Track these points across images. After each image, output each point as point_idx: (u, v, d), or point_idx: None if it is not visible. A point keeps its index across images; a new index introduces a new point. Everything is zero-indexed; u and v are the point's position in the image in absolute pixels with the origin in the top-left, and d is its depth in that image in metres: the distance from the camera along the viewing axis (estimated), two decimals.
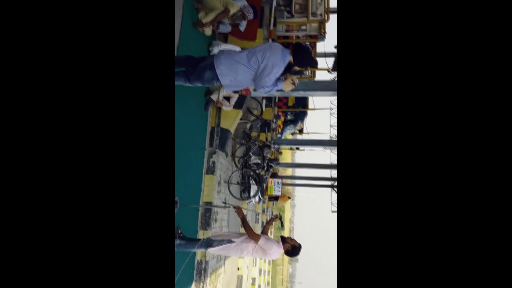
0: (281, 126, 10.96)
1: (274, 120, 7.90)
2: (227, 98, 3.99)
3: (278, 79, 1.90)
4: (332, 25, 7.54)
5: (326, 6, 7.11)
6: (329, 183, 12.87)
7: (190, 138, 3.50)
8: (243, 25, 3.87)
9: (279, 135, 10.54)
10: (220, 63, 1.88)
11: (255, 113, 5.75)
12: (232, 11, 3.36)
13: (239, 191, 5.61)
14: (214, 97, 3.81)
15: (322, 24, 7.28)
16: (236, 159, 5.36)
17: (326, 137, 13.18)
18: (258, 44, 4.46)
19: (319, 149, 10.57)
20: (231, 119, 4.34)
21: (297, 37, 8.53)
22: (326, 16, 7.06)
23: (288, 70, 1.89)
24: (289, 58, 1.86)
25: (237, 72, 1.88)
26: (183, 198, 3.31)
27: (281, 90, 1.96)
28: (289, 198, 13.42)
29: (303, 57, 1.86)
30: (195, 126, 3.67)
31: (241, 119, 4.98)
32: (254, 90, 1.99)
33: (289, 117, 11.82)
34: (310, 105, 10.89)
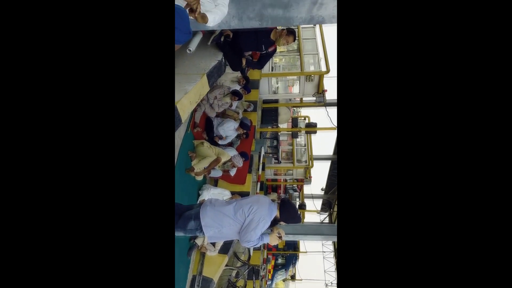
0: (271, 271, 10.02)
1: (263, 266, 7.27)
2: (213, 243, 3.77)
3: (264, 233, 1.84)
4: (316, 169, 8.16)
5: (310, 154, 7.92)
6: None
7: None
8: (233, 171, 4.13)
9: (269, 283, 9.47)
10: (205, 214, 1.86)
11: (242, 258, 5.33)
12: (223, 159, 3.64)
13: None
14: (199, 241, 3.61)
15: (307, 169, 7.88)
16: None
17: (321, 285, 11.88)
18: (247, 188, 4.64)
19: None
20: (215, 266, 3.96)
21: (285, 180, 9.05)
22: (310, 162, 7.74)
23: (274, 224, 1.86)
24: (276, 212, 1.87)
25: (222, 224, 1.83)
26: None
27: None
28: None
29: (289, 213, 1.88)
30: (175, 276, 3.28)
31: (226, 265, 4.56)
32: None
33: (279, 260, 11.01)
34: (302, 248, 10.35)
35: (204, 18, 1.48)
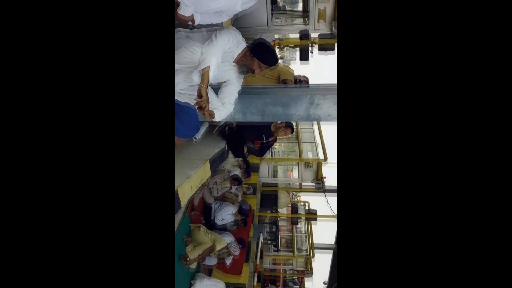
0: None
1: None
2: None
3: None
4: (318, 262, 7.64)
5: (311, 242, 7.52)
6: None
7: None
8: (229, 259, 3.89)
9: None
10: None
11: None
12: (219, 247, 3.49)
13: None
14: None
15: (308, 260, 7.38)
16: None
17: None
18: (243, 280, 4.29)
19: None
20: None
21: (284, 271, 8.37)
22: (311, 252, 7.29)
23: None
24: None
25: None
26: None
27: None
28: None
29: None
30: None
31: None
32: None
33: None
34: None
35: (211, 115, 1.65)
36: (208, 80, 1.54)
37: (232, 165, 4.67)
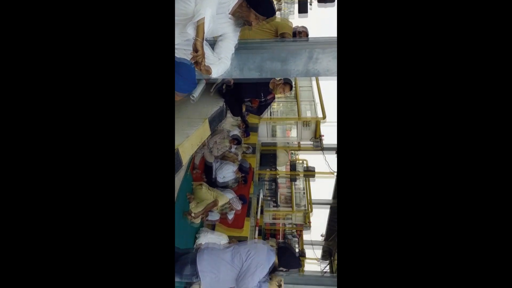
0: None
1: None
2: None
3: (262, 281, 1.79)
4: (316, 217, 8.02)
5: (309, 198, 7.82)
6: None
7: None
8: (231, 215, 4.08)
9: None
10: (202, 258, 1.83)
11: None
12: (221, 203, 3.63)
13: None
14: None
15: (306, 215, 7.73)
16: None
17: None
18: (245, 233, 4.53)
19: None
20: None
21: (284, 224, 8.83)
22: (309, 207, 7.62)
23: (273, 272, 1.82)
24: (274, 258, 1.84)
25: (219, 270, 1.79)
26: None
27: None
28: None
29: (289, 259, 1.85)
30: None
31: None
32: None
33: None
34: None
35: (208, 70, 1.61)
36: (204, 33, 1.48)
37: (231, 125, 4.68)
